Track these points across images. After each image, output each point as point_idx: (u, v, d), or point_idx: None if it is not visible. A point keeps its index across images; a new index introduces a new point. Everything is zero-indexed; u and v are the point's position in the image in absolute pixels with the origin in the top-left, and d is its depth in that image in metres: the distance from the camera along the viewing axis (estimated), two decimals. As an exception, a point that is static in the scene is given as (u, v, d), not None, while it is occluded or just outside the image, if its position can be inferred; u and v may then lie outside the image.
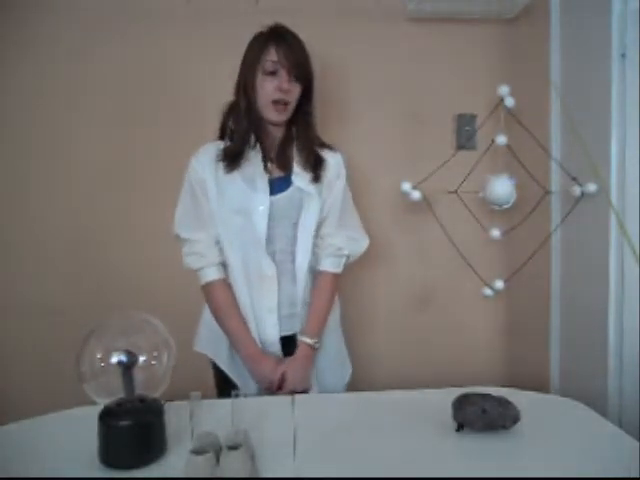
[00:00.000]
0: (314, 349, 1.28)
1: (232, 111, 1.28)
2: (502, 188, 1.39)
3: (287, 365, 1.24)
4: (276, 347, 1.27)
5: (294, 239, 1.27)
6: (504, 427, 0.94)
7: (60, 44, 1.59)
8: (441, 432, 0.96)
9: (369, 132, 1.67)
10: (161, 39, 1.59)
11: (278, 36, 1.22)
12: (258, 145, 1.26)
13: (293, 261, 1.28)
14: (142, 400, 0.90)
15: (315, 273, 1.32)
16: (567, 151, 1.39)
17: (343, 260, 1.33)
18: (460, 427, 0.96)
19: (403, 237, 1.70)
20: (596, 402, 1.14)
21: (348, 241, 1.32)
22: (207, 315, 1.32)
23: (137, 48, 1.60)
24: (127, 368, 0.89)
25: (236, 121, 1.26)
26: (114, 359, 0.89)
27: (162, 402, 0.93)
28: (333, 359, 1.35)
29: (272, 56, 1.21)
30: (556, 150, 1.42)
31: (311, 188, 1.26)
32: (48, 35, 1.58)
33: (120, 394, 0.89)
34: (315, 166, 1.27)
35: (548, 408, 1.10)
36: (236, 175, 1.23)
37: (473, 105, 1.65)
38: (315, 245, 1.30)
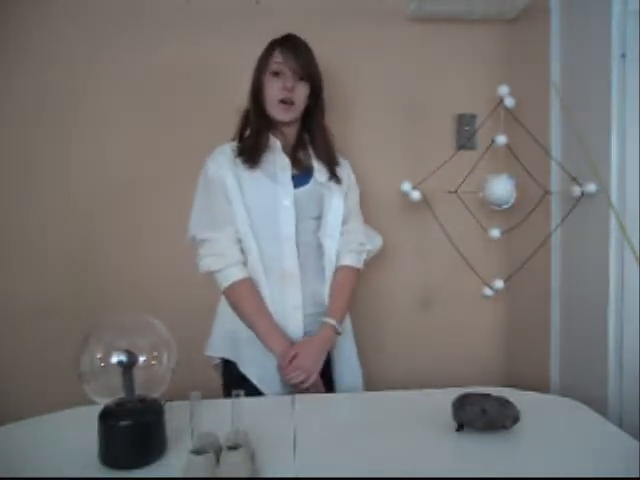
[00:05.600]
0: (336, 333, 1.25)
1: (247, 116, 1.32)
2: (502, 188, 1.39)
3: (300, 345, 1.20)
4: None
5: (315, 234, 1.28)
6: (504, 427, 0.94)
7: (59, 45, 1.58)
8: (441, 432, 0.96)
9: (369, 132, 1.67)
10: (159, 39, 1.58)
11: (284, 40, 1.28)
12: (277, 143, 1.28)
13: (318, 257, 1.28)
14: (142, 400, 0.90)
15: (336, 269, 1.30)
16: (567, 151, 1.39)
17: (364, 256, 1.35)
18: (460, 427, 0.96)
19: (403, 237, 1.70)
20: (596, 402, 1.14)
21: (368, 237, 1.37)
22: (224, 317, 1.29)
23: (136, 48, 1.59)
24: (127, 368, 0.88)
25: (251, 123, 1.31)
26: (114, 359, 0.89)
27: (162, 402, 0.93)
28: (349, 362, 1.33)
29: (277, 58, 1.26)
30: (556, 150, 1.42)
31: (331, 184, 1.30)
32: (46, 38, 1.57)
33: (120, 394, 0.89)
34: (332, 164, 1.32)
35: (548, 408, 1.10)
36: (257, 171, 1.25)
37: (473, 105, 1.65)
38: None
